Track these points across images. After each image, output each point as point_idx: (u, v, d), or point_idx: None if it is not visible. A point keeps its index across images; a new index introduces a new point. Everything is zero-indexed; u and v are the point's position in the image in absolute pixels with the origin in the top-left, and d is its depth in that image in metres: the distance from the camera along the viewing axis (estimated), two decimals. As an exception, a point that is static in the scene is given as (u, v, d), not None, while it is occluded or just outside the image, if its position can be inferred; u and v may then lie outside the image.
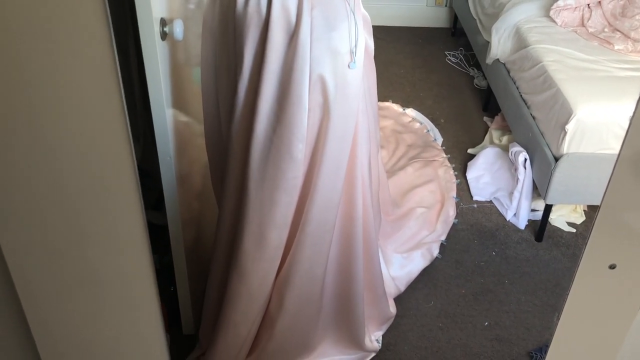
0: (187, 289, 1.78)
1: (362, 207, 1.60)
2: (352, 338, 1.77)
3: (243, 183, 1.46)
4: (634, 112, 0.68)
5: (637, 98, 0.74)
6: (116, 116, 0.74)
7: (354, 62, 1.36)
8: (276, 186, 1.43)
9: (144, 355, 0.92)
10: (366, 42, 1.46)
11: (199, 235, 2.00)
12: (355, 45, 1.35)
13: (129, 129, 0.77)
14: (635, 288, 0.81)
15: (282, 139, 1.38)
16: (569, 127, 2.03)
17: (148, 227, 2.12)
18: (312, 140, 1.43)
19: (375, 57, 1.65)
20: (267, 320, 1.67)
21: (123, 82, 1.80)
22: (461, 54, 3.64)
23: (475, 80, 3.37)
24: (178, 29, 1.39)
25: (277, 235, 1.50)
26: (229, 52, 1.40)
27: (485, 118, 3.01)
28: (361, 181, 1.56)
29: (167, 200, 1.60)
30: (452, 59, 3.62)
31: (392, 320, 1.93)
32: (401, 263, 2.08)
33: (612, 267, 0.79)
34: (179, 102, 1.66)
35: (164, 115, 1.44)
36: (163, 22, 1.38)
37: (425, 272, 2.12)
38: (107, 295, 0.87)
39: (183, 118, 1.76)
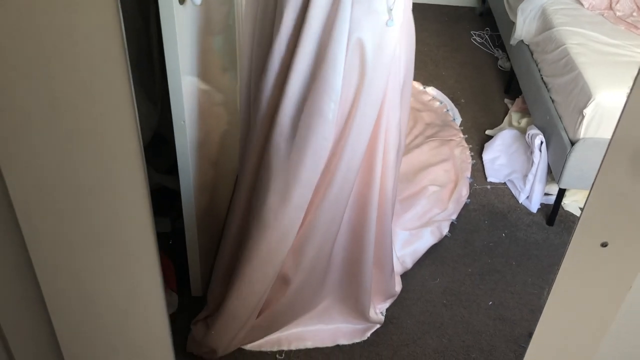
0: (197, 251, 1.82)
1: (380, 174, 1.61)
2: (358, 307, 1.80)
3: (272, 139, 1.47)
4: (629, 96, 0.68)
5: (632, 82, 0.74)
6: (121, 87, 0.76)
7: (392, 20, 1.37)
8: (306, 145, 1.45)
9: (143, 307, 0.96)
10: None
11: (213, 201, 2.04)
12: (393, 3, 1.36)
13: (133, 96, 0.79)
14: (626, 266, 0.82)
15: (315, 98, 1.41)
16: (587, 112, 2.01)
17: (162, 191, 2.16)
18: (345, 102, 1.44)
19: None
20: (281, 279, 1.70)
21: (141, 48, 1.82)
22: (487, 34, 3.59)
23: (500, 62, 3.33)
24: (196, -6, 1.41)
25: (302, 194, 1.51)
26: (269, 6, 1.41)
27: (506, 100, 2.98)
28: (383, 148, 1.57)
29: (180, 164, 1.63)
30: (477, 39, 3.57)
31: (395, 297, 1.95)
32: (408, 240, 2.09)
33: (604, 245, 0.80)
34: (198, 69, 1.69)
35: (179, 80, 1.47)
36: (181, -13, 1.39)
37: (433, 250, 2.13)
38: (108, 249, 0.90)
39: (202, 86, 1.78)
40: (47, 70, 0.74)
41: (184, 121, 1.55)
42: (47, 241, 0.86)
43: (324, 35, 1.36)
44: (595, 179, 0.75)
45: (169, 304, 1.86)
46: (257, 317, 1.76)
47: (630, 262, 0.81)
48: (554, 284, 0.82)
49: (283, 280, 1.71)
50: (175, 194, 1.90)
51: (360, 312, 1.81)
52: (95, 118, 0.78)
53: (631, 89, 0.70)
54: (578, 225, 0.77)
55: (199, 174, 1.78)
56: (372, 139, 1.54)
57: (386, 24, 1.37)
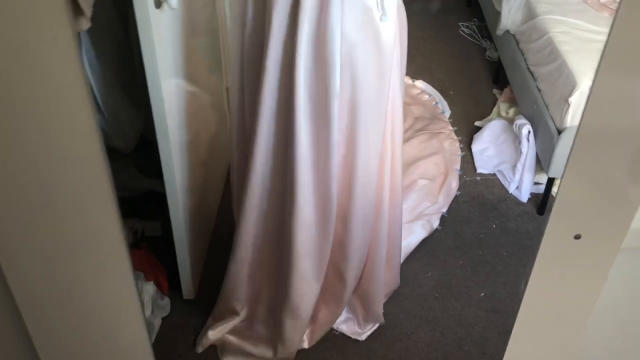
0: (187, 254, 1.82)
1: (390, 166, 1.63)
2: (368, 301, 1.80)
3: (294, 141, 1.46)
4: (593, 83, 0.68)
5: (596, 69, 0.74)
6: (79, 90, 0.76)
7: (385, 15, 1.36)
8: (322, 142, 1.46)
9: (118, 312, 0.96)
10: None
11: (203, 203, 2.04)
12: None
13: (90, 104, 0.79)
14: (601, 257, 0.82)
15: (319, 98, 1.41)
16: (573, 100, 2.01)
17: (152, 195, 2.15)
18: (344, 102, 1.45)
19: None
20: (336, 274, 1.71)
21: (122, 53, 1.81)
22: (474, 25, 3.59)
23: (487, 52, 3.32)
24: (172, -2, 1.40)
25: (329, 186, 1.52)
26: (258, 12, 1.40)
27: (494, 90, 2.98)
28: (391, 140, 1.59)
29: (164, 167, 1.63)
30: (465, 30, 3.57)
31: (393, 290, 1.96)
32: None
33: (577, 237, 0.80)
34: (183, 71, 1.68)
35: (159, 84, 1.46)
36: (157, -9, 1.39)
37: (424, 243, 2.13)
38: (80, 258, 0.90)
39: (188, 88, 1.78)
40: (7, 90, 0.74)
41: (166, 125, 1.55)
42: (20, 256, 0.85)
43: (320, 37, 1.35)
44: (564, 173, 0.75)
45: (160, 308, 1.87)
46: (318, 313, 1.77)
47: (604, 253, 0.81)
48: (530, 277, 0.83)
49: (339, 277, 1.72)
50: (165, 197, 1.90)
51: (368, 307, 1.81)
52: (56, 131, 0.78)
53: (595, 78, 0.70)
54: (550, 219, 0.77)
55: (188, 176, 1.78)
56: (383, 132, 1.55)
57: (380, 19, 1.37)
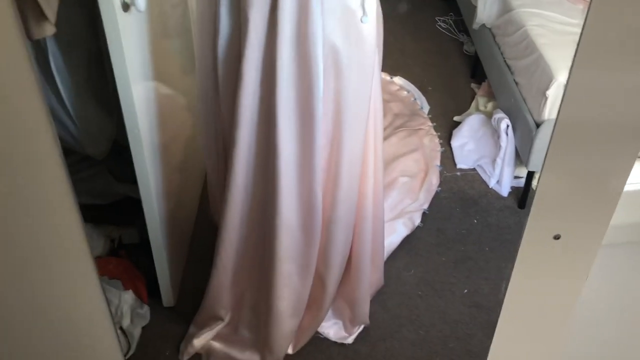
0: (166, 261, 1.79)
1: (373, 166, 1.61)
2: (354, 304, 1.78)
3: (275, 144, 1.43)
4: (569, 77, 0.67)
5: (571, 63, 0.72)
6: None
7: (366, 16, 1.34)
8: (307, 146, 1.44)
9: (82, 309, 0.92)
10: None
11: (179, 207, 2.00)
12: None
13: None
14: (581, 256, 0.81)
15: (303, 100, 1.39)
16: (550, 93, 2.01)
17: (129, 200, 2.11)
18: (330, 99, 1.42)
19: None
20: (318, 280, 1.69)
21: (91, 58, 1.77)
22: (451, 20, 3.58)
23: (465, 47, 3.32)
24: (139, 0, 1.37)
25: (314, 190, 1.50)
26: (233, 15, 1.37)
27: (472, 85, 2.97)
28: (373, 140, 1.57)
29: (138, 172, 1.60)
30: (442, 24, 3.56)
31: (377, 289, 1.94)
32: (382, 232, 2.08)
33: (557, 237, 0.78)
34: (155, 74, 1.65)
35: (129, 88, 1.43)
36: (124, -7, 1.35)
37: (406, 241, 2.12)
38: (44, 271, 0.86)
39: (162, 91, 1.74)
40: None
41: (138, 130, 1.51)
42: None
43: (301, 39, 1.32)
44: (541, 172, 0.74)
45: (140, 317, 1.83)
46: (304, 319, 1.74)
47: (584, 253, 0.80)
48: (510, 279, 0.81)
49: (320, 281, 1.70)
50: (141, 203, 1.86)
51: (355, 310, 1.78)
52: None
53: (570, 72, 0.69)
54: (528, 220, 0.76)
55: (163, 180, 1.74)
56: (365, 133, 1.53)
57: (360, 20, 1.34)
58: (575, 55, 0.72)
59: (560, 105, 0.69)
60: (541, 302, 0.87)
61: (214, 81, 1.51)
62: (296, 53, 1.34)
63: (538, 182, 0.73)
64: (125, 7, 1.36)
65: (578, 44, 0.68)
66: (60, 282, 0.91)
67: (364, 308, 1.78)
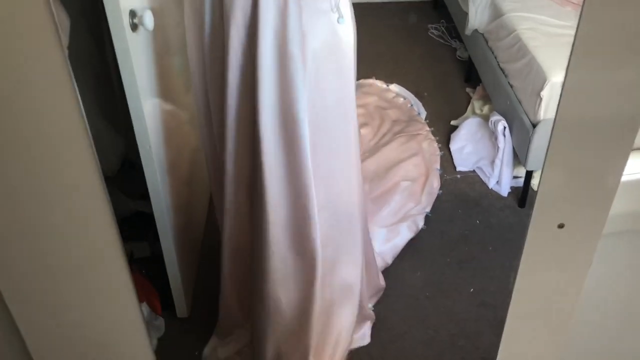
0: (178, 273, 1.83)
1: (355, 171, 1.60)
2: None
3: (260, 156, 1.44)
4: (565, 76, 0.72)
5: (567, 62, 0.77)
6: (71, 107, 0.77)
7: (342, 17, 1.37)
8: (293, 155, 1.44)
9: (123, 337, 0.97)
10: None
11: (189, 220, 2.04)
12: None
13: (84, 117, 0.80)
14: (584, 246, 0.85)
15: (286, 108, 1.39)
16: (544, 94, 2.07)
17: (139, 215, 2.15)
18: (315, 101, 1.43)
19: (359, 33, 1.66)
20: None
21: (100, 78, 1.82)
22: (443, 26, 3.65)
23: (458, 52, 3.39)
24: (147, 20, 1.42)
25: (302, 203, 1.49)
26: (216, 27, 1.39)
27: (467, 89, 3.03)
28: (355, 148, 1.57)
29: (150, 189, 1.64)
30: (434, 31, 3.62)
31: (382, 292, 1.98)
32: (385, 236, 2.12)
33: (561, 226, 0.83)
34: (161, 91, 1.69)
35: (140, 106, 1.48)
36: (133, 14, 1.40)
37: (410, 244, 2.17)
38: (82, 283, 0.91)
39: (168, 107, 1.79)
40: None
41: (149, 146, 1.56)
42: (21, 280, 0.86)
43: (281, 47, 1.34)
44: (544, 166, 0.79)
45: (155, 329, 1.87)
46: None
47: (587, 240, 0.84)
48: (519, 269, 0.86)
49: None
50: (151, 217, 1.91)
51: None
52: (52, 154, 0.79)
53: (567, 69, 0.73)
54: (534, 211, 0.81)
55: (173, 195, 1.78)
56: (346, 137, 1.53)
57: (337, 21, 1.37)
58: (570, 55, 0.77)
59: (558, 104, 0.74)
60: (549, 290, 0.91)
61: (206, 94, 1.53)
62: (277, 59, 1.35)
63: (541, 177, 0.78)
64: (134, 27, 1.41)
65: (573, 44, 0.73)
66: (99, 297, 0.95)
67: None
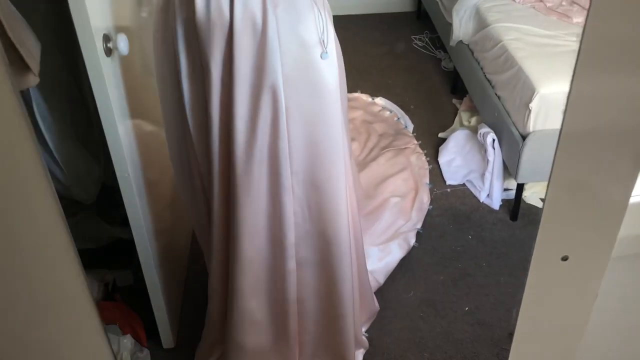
0: (162, 301, 1.76)
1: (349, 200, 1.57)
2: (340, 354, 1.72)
3: (231, 194, 1.42)
4: (570, 88, 0.66)
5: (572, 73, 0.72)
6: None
7: (327, 53, 1.32)
8: (265, 188, 1.41)
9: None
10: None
11: (172, 245, 1.98)
12: (323, 32, 1.31)
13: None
14: (589, 275, 0.80)
15: (262, 141, 1.35)
16: (533, 105, 2.03)
17: (119, 243, 2.08)
18: (300, 139, 1.39)
19: (342, 47, 1.61)
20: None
21: (74, 103, 1.75)
22: (427, 37, 3.63)
23: (443, 63, 3.36)
24: (122, 44, 1.36)
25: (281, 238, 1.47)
26: (195, 62, 1.34)
27: (454, 100, 3.00)
28: (344, 176, 1.52)
29: (130, 215, 1.57)
30: (418, 42, 3.60)
31: (376, 315, 1.92)
32: (378, 255, 2.07)
33: (565, 258, 0.78)
34: (139, 114, 1.63)
35: (117, 132, 1.41)
36: (107, 38, 1.34)
37: (403, 262, 2.11)
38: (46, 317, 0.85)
39: (147, 129, 1.73)
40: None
41: (127, 171, 1.50)
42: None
43: (257, 79, 1.29)
44: (546, 193, 0.74)
45: (140, 361, 1.79)
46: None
47: (592, 271, 0.79)
48: (521, 304, 0.81)
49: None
50: (133, 244, 1.84)
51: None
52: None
53: (571, 83, 0.68)
54: (536, 244, 0.76)
55: (154, 220, 1.72)
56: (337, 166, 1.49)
57: (321, 57, 1.32)
58: (575, 65, 0.71)
59: (563, 117, 0.69)
60: (553, 323, 0.86)
61: (182, 126, 1.47)
62: (255, 92, 1.30)
63: (545, 200, 0.73)
64: (108, 52, 1.35)
65: (578, 53, 0.67)
66: (64, 333, 0.89)
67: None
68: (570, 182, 0.75)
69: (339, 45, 1.44)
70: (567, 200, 0.74)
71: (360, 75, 3.25)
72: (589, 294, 0.81)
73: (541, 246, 0.75)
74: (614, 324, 0.95)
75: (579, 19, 2.40)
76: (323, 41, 1.31)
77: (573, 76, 0.71)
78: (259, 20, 1.25)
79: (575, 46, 2.22)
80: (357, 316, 1.73)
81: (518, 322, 0.82)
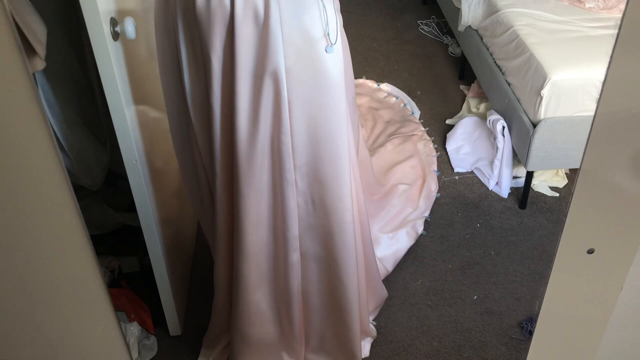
0: (169, 288, 1.75)
1: (355, 192, 1.55)
2: (346, 346, 1.69)
3: (233, 184, 1.40)
4: (607, 72, 0.63)
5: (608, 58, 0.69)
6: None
7: (331, 46, 1.29)
8: (265, 181, 1.39)
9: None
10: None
11: (178, 232, 1.96)
12: (327, 24, 1.27)
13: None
14: (615, 271, 0.78)
15: (265, 134, 1.33)
16: (545, 92, 2.00)
17: (125, 229, 2.07)
18: (303, 134, 1.36)
19: (347, 31, 1.58)
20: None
21: (81, 87, 1.73)
22: (433, 22, 3.58)
23: (450, 48, 3.32)
24: (129, 28, 1.33)
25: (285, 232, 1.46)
26: (195, 53, 1.32)
27: (461, 86, 2.97)
28: (349, 167, 1.51)
29: (137, 203, 1.56)
30: (425, 27, 3.56)
31: (384, 302, 1.91)
32: (387, 243, 2.06)
33: (591, 251, 0.76)
34: (146, 99, 1.61)
35: (125, 118, 1.39)
36: (114, 22, 1.31)
37: (411, 250, 2.10)
38: (59, 303, 0.83)
39: (153, 115, 1.70)
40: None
41: (135, 157, 1.48)
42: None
43: (258, 70, 1.26)
44: (575, 184, 0.72)
45: (148, 349, 1.79)
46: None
47: (618, 264, 0.77)
48: (545, 296, 0.79)
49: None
50: (139, 231, 1.82)
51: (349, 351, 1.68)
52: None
53: (608, 67, 0.65)
54: (562, 236, 0.74)
55: (161, 207, 1.70)
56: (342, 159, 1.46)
57: (325, 50, 1.28)
58: (613, 49, 0.67)
59: (598, 102, 0.66)
60: (576, 316, 0.84)
61: (184, 116, 1.45)
62: (257, 83, 1.28)
63: (571, 198, 0.71)
64: (116, 36, 1.32)
65: (617, 36, 0.64)
66: (76, 317, 0.88)
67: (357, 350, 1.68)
68: (599, 173, 0.73)
69: (345, 36, 1.41)
70: (596, 192, 0.72)
71: (366, 61, 3.22)
72: (614, 287, 0.79)
73: (567, 239, 0.73)
74: (638, 317, 0.93)
75: (591, 4, 2.36)
76: (328, 34, 1.28)
77: (610, 62, 0.67)
78: (261, 9, 1.21)
79: (588, 32, 2.19)
80: (364, 308, 1.71)
81: (540, 315, 0.80)
